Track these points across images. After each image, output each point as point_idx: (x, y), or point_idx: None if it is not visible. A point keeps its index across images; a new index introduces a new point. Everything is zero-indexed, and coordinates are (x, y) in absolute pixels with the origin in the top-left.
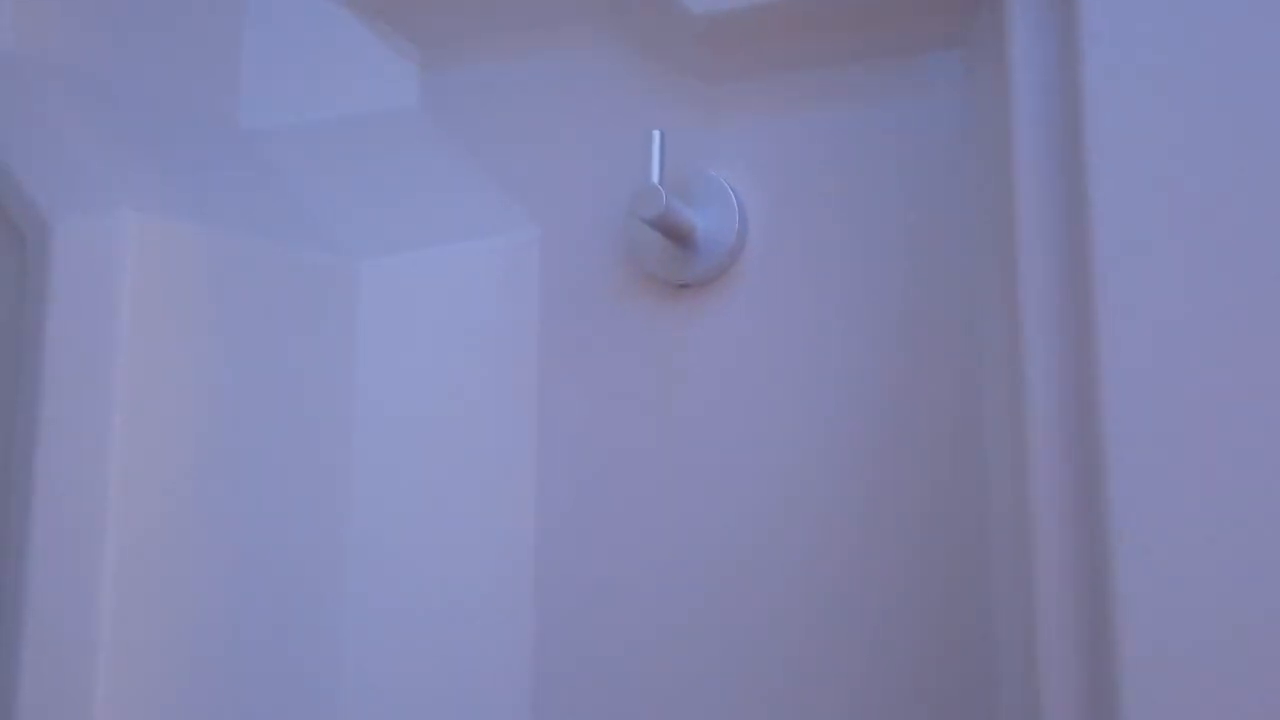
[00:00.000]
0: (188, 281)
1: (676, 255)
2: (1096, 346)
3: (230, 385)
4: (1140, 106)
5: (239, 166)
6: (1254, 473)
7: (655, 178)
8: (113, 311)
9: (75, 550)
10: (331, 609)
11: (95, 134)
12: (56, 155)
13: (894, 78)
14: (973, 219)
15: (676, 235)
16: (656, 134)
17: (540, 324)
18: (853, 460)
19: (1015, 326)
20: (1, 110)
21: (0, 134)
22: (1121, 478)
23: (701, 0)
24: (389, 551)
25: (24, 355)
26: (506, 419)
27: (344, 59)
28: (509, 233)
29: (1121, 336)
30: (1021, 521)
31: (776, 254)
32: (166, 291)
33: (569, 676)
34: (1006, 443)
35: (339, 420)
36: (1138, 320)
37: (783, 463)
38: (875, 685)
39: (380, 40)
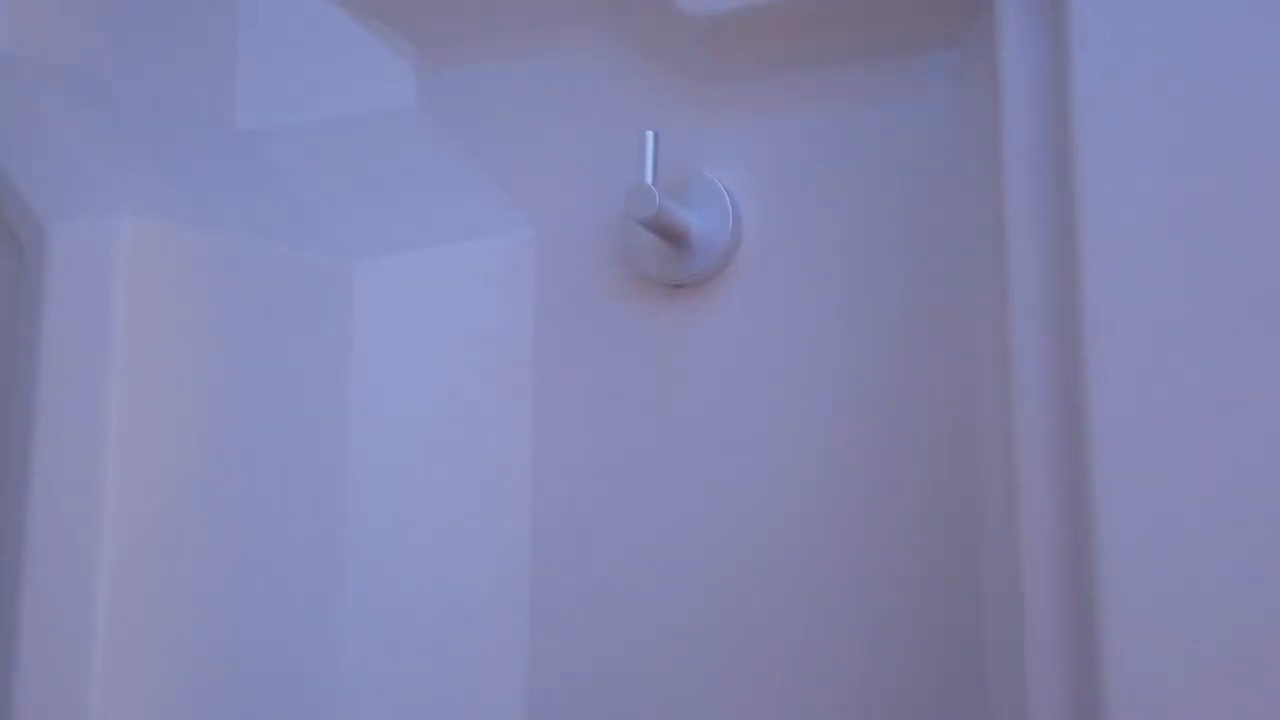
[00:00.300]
0: (184, 283)
1: (671, 255)
2: (1084, 347)
3: (227, 386)
4: (1129, 108)
5: (236, 167)
6: (1240, 472)
7: (649, 178)
8: (109, 314)
9: (72, 552)
10: (329, 609)
11: (91, 135)
12: (52, 157)
13: (892, 78)
14: (969, 219)
15: (670, 235)
16: (650, 134)
17: (536, 324)
18: (849, 459)
19: (1005, 326)
20: None
21: None
22: (1108, 478)
23: (700, 1)
24: (386, 551)
25: (20, 359)
26: (503, 418)
27: (341, 59)
28: (506, 233)
29: (1109, 335)
30: (1012, 521)
31: (772, 253)
32: (162, 293)
33: (566, 677)
34: (999, 442)
35: (336, 420)
36: (1125, 319)
37: (779, 462)
38: (875, 685)
39: (377, 40)
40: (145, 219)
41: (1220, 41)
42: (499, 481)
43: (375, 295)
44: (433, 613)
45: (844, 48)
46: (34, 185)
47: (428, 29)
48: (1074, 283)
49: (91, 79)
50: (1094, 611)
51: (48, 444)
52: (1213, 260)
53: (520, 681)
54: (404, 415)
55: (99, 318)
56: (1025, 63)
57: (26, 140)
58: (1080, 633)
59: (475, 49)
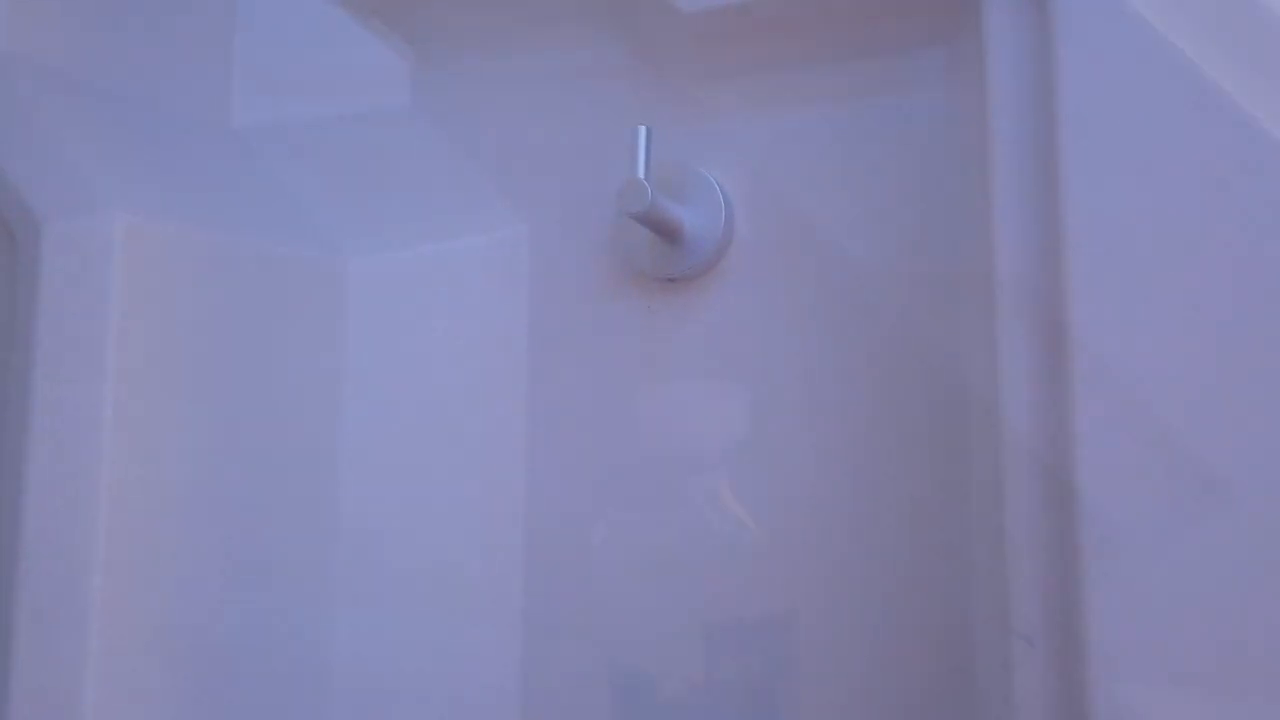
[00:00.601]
0: (178, 280)
1: (665, 251)
2: (1069, 345)
3: (222, 383)
4: (1114, 105)
5: (231, 165)
6: (1218, 471)
7: (641, 173)
8: (104, 311)
9: (68, 550)
10: (323, 605)
11: (87, 133)
12: (48, 155)
13: (887, 75)
14: (962, 216)
15: (663, 230)
16: (642, 130)
17: (530, 319)
18: (842, 454)
19: (991, 323)
20: None
21: None
22: (1091, 480)
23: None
24: (379, 548)
25: (15, 356)
26: (497, 414)
27: (337, 57)
28: (500, 229)
29: (1092, 332)
30: (999, 523)
31: (764, 249)
32: (157, 291)
33: (560, 675)
34: (989, 440)
35: (329, 418)
36: (1111, 316)
37: (773, 457)
38: (875, 685)
39: (374, 38)
40: (140, 217)
41: (1206, 37)
42: (493, 477)
43: (370, 292)
44: (427, 609)
45: (840, 46)
46: (29, 183)
47: (424, 27)
48: (1059, 281)
49: (88, 77)
50: (1077, 607)
51: (43, 441)
52: (1200, 256)
53: (513, 679)
54: (398, 412)
55: (94, 315)
56: (1011, 60)
57: (22, 138)
58: (1063, 631)
59: (471, 46)
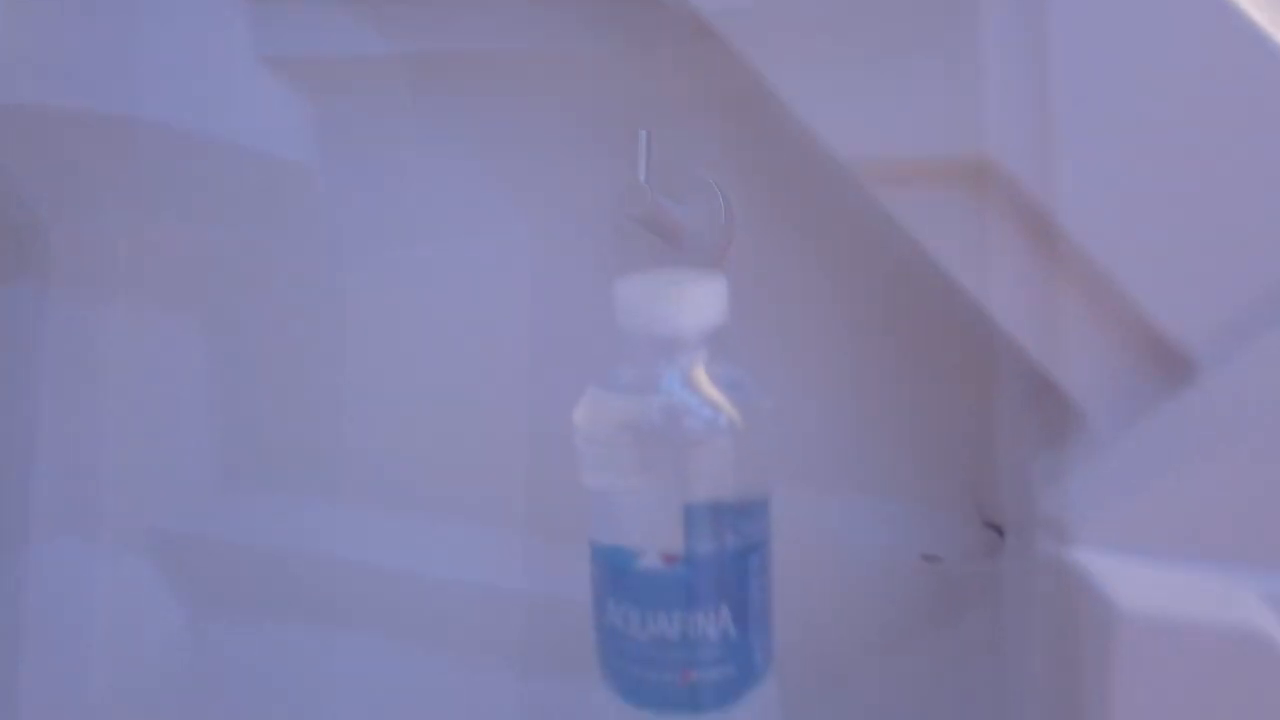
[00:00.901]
0: (180, 278)
1: (665, 253)
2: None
3: (226, 382)
4: (1109, 103)
5: (232, 162)
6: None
7: (642, 176)
8: (109, 310)
9: (74, 549)
10: (325, 599)
11: (90, 133)
12: (52, 156)
13: (887, 74)
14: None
15: (663, 232)
16: (644, 134)
17: (530, 319)
18: (842, 454)
19: (988, 322)
20: None
21: None
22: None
23: None
24: (380, 547)
25: (21, 359)
26: (498, 415)
27: (336, 55)
28: (499, 230)
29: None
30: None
31: (765, 248)
32: (160, 289)
33: (556, 672)
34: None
35: (331, 418)
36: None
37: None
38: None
39: (373, 35)
40: (142, 215)
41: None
42: (493, 480)
43: (369, 291)
44: (427, 622)
45: (840, 45)
46: (34, 184)
47: (424, 24)
48: (1055, 282)
49: (88, 76)
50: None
51: (49, 443)
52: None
53: (510, 674)
54: (398, 414)
55: (99, 313)
56: (1006, 58)
57: (27, 139)
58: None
59: (471, 44)
